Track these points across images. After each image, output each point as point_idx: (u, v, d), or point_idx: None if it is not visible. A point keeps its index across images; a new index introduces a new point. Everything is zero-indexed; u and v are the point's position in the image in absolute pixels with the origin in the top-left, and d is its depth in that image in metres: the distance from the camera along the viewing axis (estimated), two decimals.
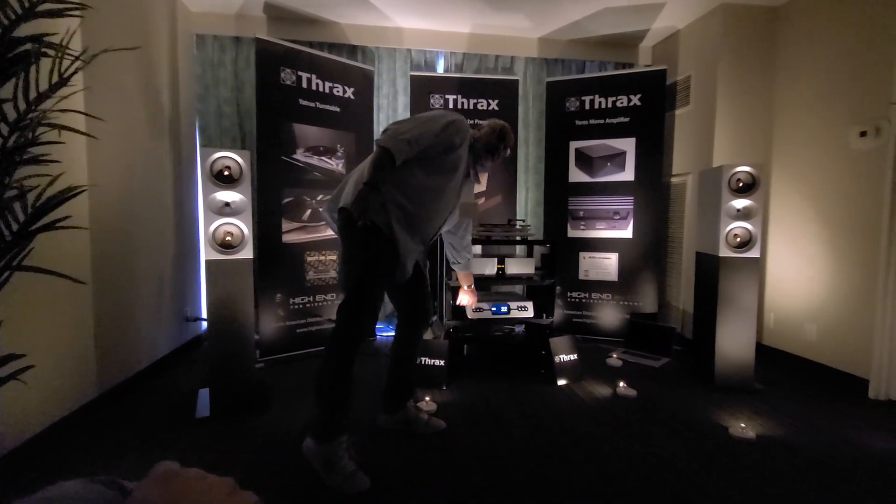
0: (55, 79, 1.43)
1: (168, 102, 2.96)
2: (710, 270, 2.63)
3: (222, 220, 2.12)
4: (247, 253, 2.18)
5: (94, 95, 2.07)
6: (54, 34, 1.44)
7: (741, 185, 2.51)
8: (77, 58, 1.46)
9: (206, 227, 2.11)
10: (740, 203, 2.51)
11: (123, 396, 2.34)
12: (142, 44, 2.58)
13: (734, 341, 2.56)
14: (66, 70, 1.44)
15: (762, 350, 3.09)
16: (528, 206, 3.98)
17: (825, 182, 2.81)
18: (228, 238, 2.13)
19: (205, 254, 2.12)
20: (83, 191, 1.52)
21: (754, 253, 2.51)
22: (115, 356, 2.32)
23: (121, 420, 2.10)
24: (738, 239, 2.52)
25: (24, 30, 1.36)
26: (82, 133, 1.55)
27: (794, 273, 3.01)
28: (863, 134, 2.55)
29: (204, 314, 3.20)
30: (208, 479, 0.30)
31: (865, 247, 2.55)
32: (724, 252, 2.52)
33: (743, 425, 2.02)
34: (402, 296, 1.96)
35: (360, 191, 1.58)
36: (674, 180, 3.67)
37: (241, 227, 2.15)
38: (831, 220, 2.77)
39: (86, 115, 1.66)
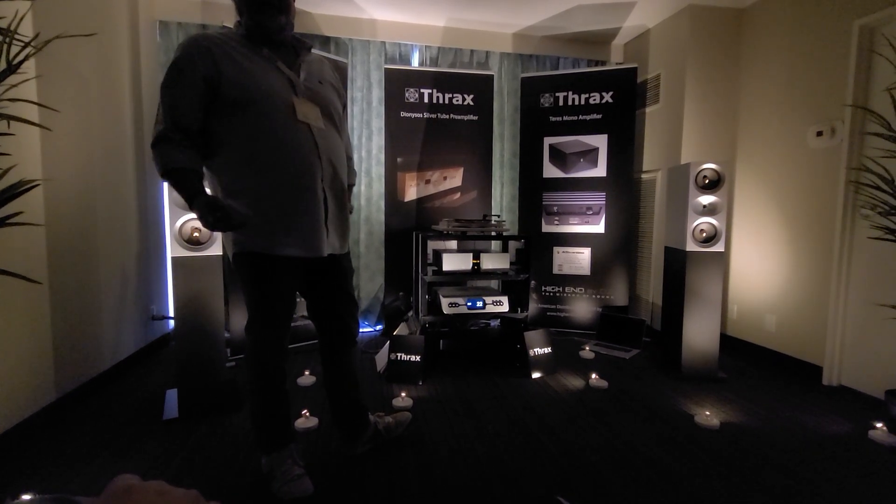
0: (3, 66, 1.35)
1: (129, 92, 2.83)
2: (677, 264, 2.71)
3: (189, 215, 2.05)
4: (216, 249, 2.11)
5: (47, 84, 1.96)
6: (1, 17, 1.35)
7: (707, 181, 2.60)
8: (28, 44, 1.38)
9: (172, 223, 2.04)
10: (706, 199, 2.60)
11: (85, 399, 2.24)
12: (99, 30, 2.45)
13: (700, 332, 2.65)
14: (16, 57, 1.36)
15: (726, 340, 3.23)
16: (503, 201, 4.00)
17: (785, 179, 2.93)
18: (196, 234, 2.06)
19: (171, 250, 2.04)
20: (37, 185, 1.44)
21: (719, 247, 2.61)
22: (75, 357, 2.22)
23: (82, 424, 2.01)
24: (704, 234, 2.61)
25: None
26: (34, 124, 1.46)
27: (756, 267, 3.14)
28: (819, 134, 2.67)
29: (171, 312, 3.10)
30: (170, 494, 0.29)
31: (821, 242, 2.69)
32: (691, 246, 2.61)
33: (708, 413, 2.11)
34: (313, 312, 1.67)
35: (196, 211, 1.29)
36: (644, 177, 3.77)
37: None
38: (790, 216, 2.90)
39: (38, 105, 1.57)
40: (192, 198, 1.29)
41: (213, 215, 1.25)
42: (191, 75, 1.30)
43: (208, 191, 1.37)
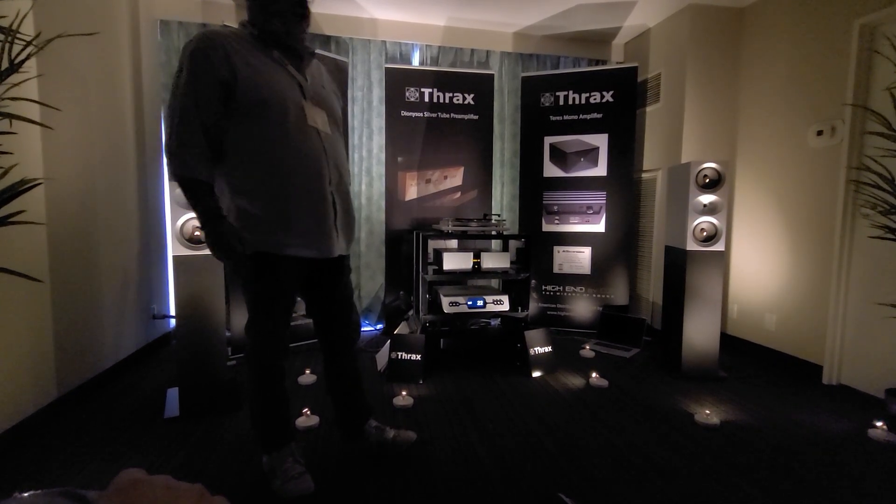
0: (5, 65, 1.35)
1: (130, 91, 2.83)
2: (678, 263, 2.72)
3: (190, 214, 2.05)
4: None
5: (48, 83, 1.96)
6: (3, 17, 1.35)
7: (707, 181, 2.60)
8: (29, 43, 1.38)
9: (173, 222, 2.04)
10: (707, 198, 2.60)
11: (86, 397, 2.25)
12: (100, 29, 2.45)
13: (700, 331, 2.66)
14: (18, 56, 1.36)
15: (726, 339, 3.23)
16: (503, 200, 4.01)
17: (785, 179, 2.94)
18: (197, 233, 2.07)
19: (172, 249, 2.05)
20: (38, 184, 1.45)
21: (719, 247, 2.61)
22: (77, 356, 2.22)
23: (84, 423, 2.01)
24: (705, 233, 2.61)
25: None
26: (36, 123, 1.47)
27: (756, 266, 3.14)
28: (819, 133, 2.67)
29: (172, 311, 3.11)
30: (176, 487, 0.29)
31: (821, 241, 2.69)
32: (692, 246, 2.61)
33: (707, 412, 2.11)
34: (314, 314, 1.69)
35: (205, 234, 1.32)
36: (644, 176, 3.77)
37: None
38: (790, 216, 2.90)
39: (40, 103, 1.58)
40: (207, 220, 1.32)
41: (220, 250, 1.32)
42: (209, 75, 1.30)
43: (216, 189, 1.39)
